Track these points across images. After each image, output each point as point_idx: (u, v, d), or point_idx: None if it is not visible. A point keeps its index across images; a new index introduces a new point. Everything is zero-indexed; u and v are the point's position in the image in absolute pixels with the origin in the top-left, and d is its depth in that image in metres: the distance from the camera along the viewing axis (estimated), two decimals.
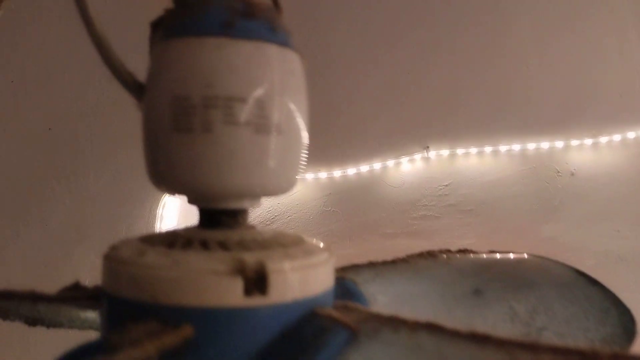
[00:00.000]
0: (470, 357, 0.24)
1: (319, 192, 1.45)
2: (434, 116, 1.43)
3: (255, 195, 0.39)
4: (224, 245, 0.35)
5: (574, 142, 1.39)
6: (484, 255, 0.54)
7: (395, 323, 0.28)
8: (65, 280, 1.33)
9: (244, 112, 0.35)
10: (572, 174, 1.38)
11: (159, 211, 1.49)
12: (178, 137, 0.35)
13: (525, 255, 0.58)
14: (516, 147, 1.40)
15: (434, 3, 1.44)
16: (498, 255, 0.59)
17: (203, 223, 0.40)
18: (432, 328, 0.26)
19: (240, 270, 0.32)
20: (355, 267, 0.44)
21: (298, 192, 1.46)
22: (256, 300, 0.31)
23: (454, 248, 1.38)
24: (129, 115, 1.27)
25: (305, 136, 0.40)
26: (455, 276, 0.47)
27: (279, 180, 0.38)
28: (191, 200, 0.40)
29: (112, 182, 1.53)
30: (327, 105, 1.44)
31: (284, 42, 0.39)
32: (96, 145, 1.56)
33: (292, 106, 0.38)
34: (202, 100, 0.35)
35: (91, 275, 1.23)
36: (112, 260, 0.36)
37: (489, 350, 0.24)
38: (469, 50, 1.43)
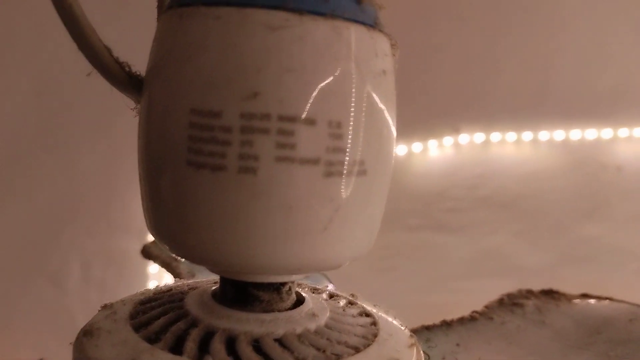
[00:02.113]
0: None
1: None
2: (467, 95, 1.29)
3: (313, 269, 0.25)
4: (262, 347, 0.21)
5: (622, 133, 1.25)
6: (588, 303, 0.42)
7: None
8: (53, 263, 1.20)
9: (311, 142, 0.21)
10: (619, 169, 1.25)
11: None
12: (197, 177, 0.21)
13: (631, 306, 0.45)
14: (559, 135, 1.25)
15: None
16: (600, 306, 0.46)
17: (226, 297, 0.26)
18: None
19: None
20: (427, 332, 0.31)
21: None
22: None
23: (487, 249, 1.24)
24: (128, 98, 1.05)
25: (389, 179, 0.26)
26: (561, 346, 0.34)
27: (351, 248, 0.24)
28: (210, 268, 0.26)
29: (108, 155, 1.40)
30: None
31: (373, 22, 0.24)
32: (91, 113, 1.42)
33: (382, 131, 0.24)
34: (241, 119, 0.20)
35: (81, 259, 1.10)
36: None
37: None
38: (510, 23, 1.27)
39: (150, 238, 1.33)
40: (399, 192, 1.28)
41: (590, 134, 1.24)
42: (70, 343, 0.33)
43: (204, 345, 0.24)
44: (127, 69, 0.28)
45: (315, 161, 0.22)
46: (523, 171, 1.26)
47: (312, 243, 0.23)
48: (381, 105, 0.24)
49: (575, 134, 1.25)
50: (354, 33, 0.23)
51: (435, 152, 1.28)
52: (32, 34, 1.34)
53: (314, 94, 0.22)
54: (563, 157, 1.25)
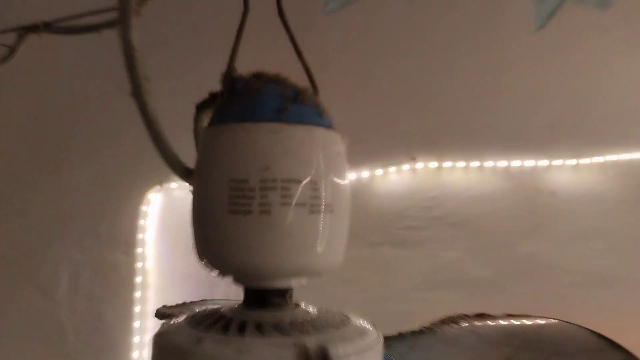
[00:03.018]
0: None
1: None
2: (423, 129, 1.46)
3: (306, 274, 0.40)
4: (279, 328, 0.36)
5: (556, 163, 1.43)
6: (504, 322, 0.57)
7: None
8: (43, 274, 1.31)
9: (300, 194, 0.36)
10: (553, 194, 1.43)
11: (143, 208, 1.47)
12: (234, 219, 0.36)
13: (544, 321, 0.61)
14: (501, 163, 1.43)
15: (429, 21, 1.45)
16: (517, 322, 0.61)
17: (249, 302, 0.41)
18: None
19: (305, 357, 0.33)
20: (387, 340, 0.45)
21: None
22: None
23: (440, 263, 1.41)
24: (116, 111, 1.28)
25: (348, 214, 0.41)
26: (484, 346, 0.50)
27: (329, 260, 0.39)
28: (238, 279, 0.40)
29: (97, 177, 1.51)
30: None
31: (329, 125, 0.40)
32: (82, 138, 1.53)
33: (340, 186, 0.39)
34: (260, 182, 0.36)
35: (70, 271, 1.21)
36: (166, 348, 0.37)
37: None
38: (461, 68, 1.45)
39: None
40: (362, 211, 1.43)
41: (529, 163, 1.42)
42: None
43: (241, 331, 0.37)
44: (183, 164, 0.43)
45: (303, 204, 0.37)
46: (471, 194, 1.43)
47: (305, 256, 0.38)
48: (338, 171, 0.39)
49: (516, 163, 1.43)
50: (319, 132, 0.38)
51: (394, 176, 1.44)
52: (32, 65, 1.45)
53: (300, 166, 0.37)
54: (505, 183, 1.43)
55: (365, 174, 1.44)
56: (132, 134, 1.52)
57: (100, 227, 1.49)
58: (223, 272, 0.40)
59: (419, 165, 1.43)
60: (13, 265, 1.48)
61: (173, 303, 1.43)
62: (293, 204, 0.36)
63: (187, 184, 0.42)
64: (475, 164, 1.43)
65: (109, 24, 0.58)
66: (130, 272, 1.45)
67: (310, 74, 0.42)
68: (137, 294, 1.44)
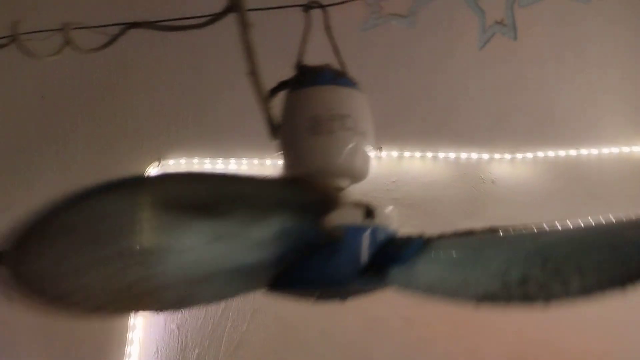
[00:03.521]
0: None
1: None
2: (389, 122, 1.70)
3: (353, 177, 0.62)
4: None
5: (496, 156, 1.71)
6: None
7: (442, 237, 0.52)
8: None
9: (348, 123, 0.60)
10: (493, 182, 1.70)
11: None
12: (313, 138, 0.60)
13: None
14: (452, 155, 1.70)
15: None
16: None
17: None
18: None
19: (363, 207, 0.55)
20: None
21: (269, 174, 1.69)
22: (369, 222, 0.56)
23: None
24: (121, 92, 1.54)
25: (373, 139, 0.64)
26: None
27: (364, 166, 0.63)
28: (310, 177, 0.63)
29: (101, 152, 1.69)
30: None
31: (356, 87, 0.64)
32: (87, 116, 1.71)
33: (367, 121, 0.63)
34: (328, 117, 0.59)
35: None
36: None
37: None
38: (422, 71, 1.70)
39: None
40: None
41: (474, 155, 1.69)
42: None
43: None
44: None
45: (349, 129, 0.60)
46: (425, 181, 1.69)
47: (351, 160, 0.60)
48: (365, 112, 0.63)
49: (464, 155, 1.69)
50: (354, 91, 0.63)
51: None
52: (42, 47, 1.62)
53: (348, 108, 0.61)
54: (454, 172, 1.69)
55: None
56: (134, 114, 1.71)
57: None
58: (304, 172, 0.61)
59: (384, 153, 1.68)
60: None
61: None
62: (345, 129, 0.59)
63: (272, 137, 0.65)
64: (430, 154, 1.69)
65: (197, 25, 0.79)
66: None
67: (344, 64, 0.66)
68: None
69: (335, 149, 0.62)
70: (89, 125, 1.71)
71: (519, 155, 1.71)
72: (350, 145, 0.63)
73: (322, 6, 0.70)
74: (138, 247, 0.53)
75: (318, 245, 0.56)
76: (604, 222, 0.50)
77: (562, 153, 1.70)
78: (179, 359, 1.62)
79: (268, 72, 0.69)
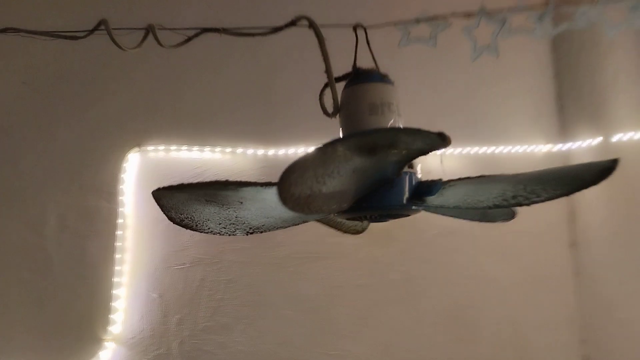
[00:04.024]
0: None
1: (256, 164, 1.92)
2: None
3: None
4: None
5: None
6: None
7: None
8: (32, 213, 1.64)
9: (392, 107, 0.88)
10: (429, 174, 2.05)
11: (124, 164, 1.82)
12: (370, 118, 0.86)
13: None
14: None
15: None
16: None
17: None
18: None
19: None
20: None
21: (240, 162, 1.91)
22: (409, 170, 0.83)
23: None
24: (102, 81, 1.82)
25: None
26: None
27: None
28: None
29: (83, 136, 1.81)
30: (270, 107, 1.94)
31: (392, 84, 0.92)
32: (69, 103, 1.82)
33: (399, 107, 0.91)
34: (380, 103, 0.86)
35: (57, 212, 1.59)
36: None
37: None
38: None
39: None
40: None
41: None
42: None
43: None
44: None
45: (393, 112, 0.88)
46: None
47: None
48: (398, 101, 0.91)
49: None
50: (393, 87, 0.91)
51: None
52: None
53: (391, 97, 0.89)
54: None
55: (300, 150, 1.95)
56: (115, 102, 1.85)
57: (84, 178, 1.79)
58: None
59: None
60: (5, 205, 1.74)
61: (149, 241, 1.86)
62: (391, 111, 0.87)
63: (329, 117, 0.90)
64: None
65: (263, 33, 1.02)
66: (112, 214, 1.79)
67: (378, 67, 0.94)
68: (119, 232, 1.78)
69: (384, 124, 0.90)
70: (71, 112, 1.82)
71: (449, 151, 2.08)
72: (391, 121, 0.91)
73: (364, 27, 0.99)
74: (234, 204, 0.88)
75: (383, 183, 0.84)
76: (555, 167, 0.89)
77: (481, 150, 2.09)
78: (162, 325, 1.78)
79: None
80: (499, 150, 2.09)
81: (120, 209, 1.79)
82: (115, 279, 1.75)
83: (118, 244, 1.77)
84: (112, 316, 1.74)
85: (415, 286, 2.02)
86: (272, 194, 0.84)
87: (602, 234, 2.13)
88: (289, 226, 0.99)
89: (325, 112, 0.96)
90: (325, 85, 0.95)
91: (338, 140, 0.71)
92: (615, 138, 2.05)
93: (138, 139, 1.85)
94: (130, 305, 1.77)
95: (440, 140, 0.68)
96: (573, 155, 2.16)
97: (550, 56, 2.26)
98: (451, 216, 1.04)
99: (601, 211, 2.14)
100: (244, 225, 0.92)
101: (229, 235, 0.94)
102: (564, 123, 2.23)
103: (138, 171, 1.84)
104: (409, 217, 1.16)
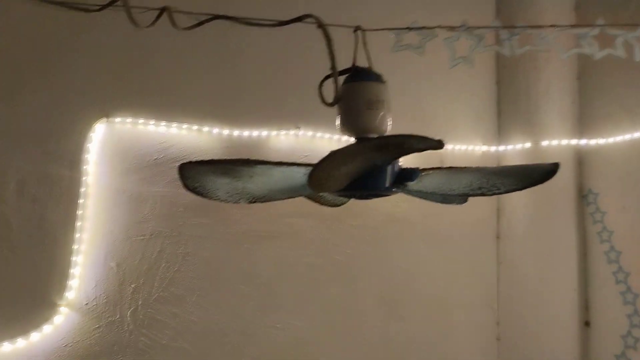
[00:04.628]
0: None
1: (221, 144, 1.99)
2: (304, 107, 2.08)
3: (383, 132, 1.02)
4: None
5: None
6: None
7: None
8: None
9: (385, 103, 1.01)
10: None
11: (90, 134, 1.82)
12: (367, 112, 0.99)
13: None
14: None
15: None
16: None
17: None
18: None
19: None
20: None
21: (205, 140, 1.97)
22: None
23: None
24: (69, 50, 1.87)
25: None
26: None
27: (387, 126, 1.03)
28: (362, 134, 1.02)
29: (48, 102, 1.79)
30: (238, 89, 2.00)
31: (384, 82, 1.05)
32: (36, 65, 1.79)
33: (390, 102, 1.04)
34: (376, 100, 1.00)
35: (17, 178, 1.61)
36: None
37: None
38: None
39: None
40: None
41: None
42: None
43: None
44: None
45: (385, 107, 1.01)
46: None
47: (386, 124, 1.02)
48: (389, 97, 1.04)
49: None
50: (384, 85, 1.04)
51: (283, 138, 2.06)
52: None
53: (383, 95, 1.03)
54: None
55: (264, 133, 2.03)
56: (82, 72, 1.84)
57: (48, 145, 1.78)
58: (358, 134, 1.00)
59: (301, 132, 2.08)
60: None
61: (110, 211, 1.91)
62: (384, 107, 0.99)
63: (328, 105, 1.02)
64: (327, 135, 2.12)
65: (273, 25, 1.10)
66: (75, 183, 1.80)
67: (372, 65, 1.06)
68: (80, 201, 1.80)
69: (379, 117, 1.03)
70: (38, 77, 1.78)
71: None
72: (382, 115, 1.04)
73: (363, 30, 1.10)
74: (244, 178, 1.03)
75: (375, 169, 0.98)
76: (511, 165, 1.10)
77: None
78: (117, 293, 1.83)
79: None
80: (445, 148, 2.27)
81: (83, 178, 1.80)
82: (75, 246, 1.77)
83: (79, 212, 1.79)
84: (69, 282, 1.77)
85: (357, 267, 2.19)
86: (280, 171, 1.04)
87: (522, 229, 2.39)
88: (285, 198, 1.18)
89: (323, 101, 1.08)
90: (326, 78, 1.06)
91: (367, 140, 0.98)
92: (544, 143, 2.30)
93: (106, 110, 1.86)
94: (86, 273, 1.80)
95: (438, 145, 0.88)
96: (506, 157, 2.40)
97: (494, 64, 2.47)
98: (422, 198, 1.21)
99: (522, 209, 2.39)
100: (249, 195, 1.10)
101: (234, 202, 1.11)
102: (501, 127, 2.46)
103: (103, 142, 1.85)
104: (361, 202, 1.35)
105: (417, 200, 2.19)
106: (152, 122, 1.91)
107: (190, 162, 0.95)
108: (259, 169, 0.99)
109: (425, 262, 2.30)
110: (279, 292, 2.05)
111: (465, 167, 1.10)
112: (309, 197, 1.30)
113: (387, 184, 1.02)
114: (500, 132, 2.44)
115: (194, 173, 0.98)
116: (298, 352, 2.08)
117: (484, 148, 2.38)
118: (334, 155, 0.86)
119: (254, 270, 2.02)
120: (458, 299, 2.36)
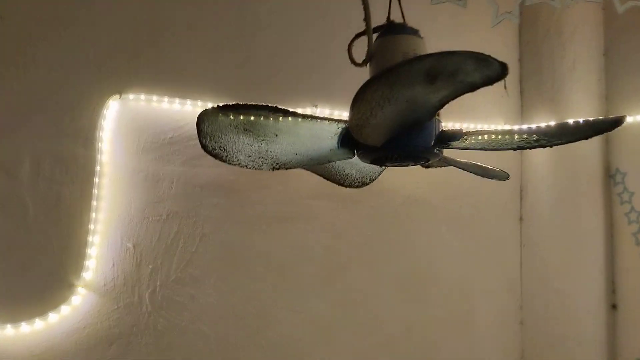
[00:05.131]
0: None
1: None
2: (319, 86, 2.04)
3: None
4: None
5: None
6: None
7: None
8: (6, 157, 1.61)
9: None
10: None
11: (103, 111, 1.79)
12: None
13: None
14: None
15: None
16: None
17: None
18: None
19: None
20: None
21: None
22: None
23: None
24: (83, 24, 1.80)
25: None
26: None
27: None
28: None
29: (61, 78, 1.76)
30: (253, 66, 1.96)
31: (422, 37, 0.99)
32: (49, 42, 1.75)
33: None
34: (411, 54, 0.94)
35: (31, 157, 1.57)
36: None
37: None
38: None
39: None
40: None
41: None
42: None
43: None
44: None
45: None
46: None
47: None
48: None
49: None
50: (421, 39, 0.99)
51: None
52: None
53: (422, 49, 0.98)
54: None
55: None
56: (95, 47, 1.80)
57: (62, 122, 1.75)
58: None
59: (318, 110, 2.03)
60: None
61: (126, 191, 1.85)
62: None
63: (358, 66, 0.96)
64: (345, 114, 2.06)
65: None
66: (90, 161, 1.77)
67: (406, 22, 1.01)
68: (95, 180, 1.77)
69: None
70: (51, 53, 1.75)
71: None
72: None
73: None
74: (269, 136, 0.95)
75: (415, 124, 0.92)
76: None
77: (449, 124, 2.20)
78: (134, 274, 1.80)
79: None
80: (465, 127, 2.21)
81: (98, 156, 1.77)
82: (91, 226, 1.75)
83: (94, 191, 1.76)
84: (87, 262, 1.74)
85: (376, 250, 2.13)
86: (307, 129, 0.94)
87: (546, 210, 2.32)
88: (314, 164, 1.10)
89: (353, 61, 1.02)
90: (356, 36, 1.01)
91: (414, 59, 0.84)
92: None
93: (120, 87, 1.82)
94: (103, 253, 1.77)
95: (501, 71, 0.75)
96: None
97: (516, 40, 2.40)
98: (462, 169, 1.17)
99: (546, 190, 2.32)
100: (272, 160, 1.01)
101: (255, 169, 1.03)
102: (524, 105, 2.38)
103: (117, 120, 1.81)
104: (380, 183, 1.27)
105: (437, 181, 2.15)
106: (165, 99, 1.87)
107: (212, 108, 0.84)
108: (285, 123, 0.90)
109: (446, 245, 2.24)
110: (297, 274, 2.01)
111: (511, 129, 1.04)
112: (332, 178, 1.24)
113: (429, 143, 0.95)
114: (524, 111, 2.37)
115: (214, 129, 0.89)
116: (316, 335, 2.04)
117: (507, 127, 2.31)
118: (371, 82, 0.77)
119: (271, 253, 1.98)
120: (480, 282, 2.30)
